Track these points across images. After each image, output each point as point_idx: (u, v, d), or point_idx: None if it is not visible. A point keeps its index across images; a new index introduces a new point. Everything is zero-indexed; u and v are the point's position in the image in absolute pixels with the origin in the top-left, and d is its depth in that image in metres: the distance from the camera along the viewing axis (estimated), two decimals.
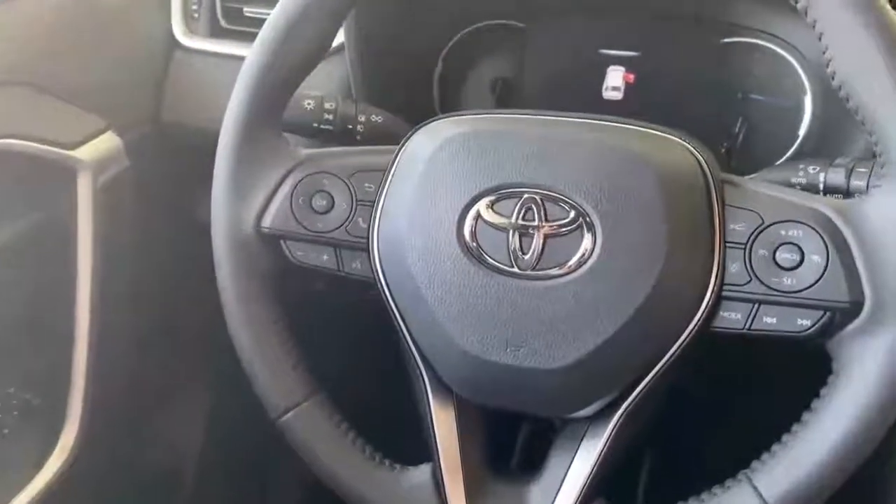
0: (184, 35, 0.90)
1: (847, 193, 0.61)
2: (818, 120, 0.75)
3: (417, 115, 0.61)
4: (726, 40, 0.77)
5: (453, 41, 0.84)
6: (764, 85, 0.76)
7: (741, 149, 0.77)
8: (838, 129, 0.73)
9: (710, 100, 0.77)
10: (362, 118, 0.70)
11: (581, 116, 0.57)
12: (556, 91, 0.82)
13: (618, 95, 0.80)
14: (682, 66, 0.78)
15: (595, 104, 0.83)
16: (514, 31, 0.82)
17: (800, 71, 0.76)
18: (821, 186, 0.62)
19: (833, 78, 0.48)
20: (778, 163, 0.75)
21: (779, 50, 0.76)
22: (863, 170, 0.60)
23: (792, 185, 0.64)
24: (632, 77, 0.79)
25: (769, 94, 0.76)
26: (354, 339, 0.88)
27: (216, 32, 0.89)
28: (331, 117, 0.69)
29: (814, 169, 0.63)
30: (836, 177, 0.61)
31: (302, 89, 0.61)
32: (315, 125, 0.68)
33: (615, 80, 0.80)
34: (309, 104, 0.69)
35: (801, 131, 0.76)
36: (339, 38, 0.78)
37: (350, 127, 0.68)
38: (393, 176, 0.59)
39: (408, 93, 0.83)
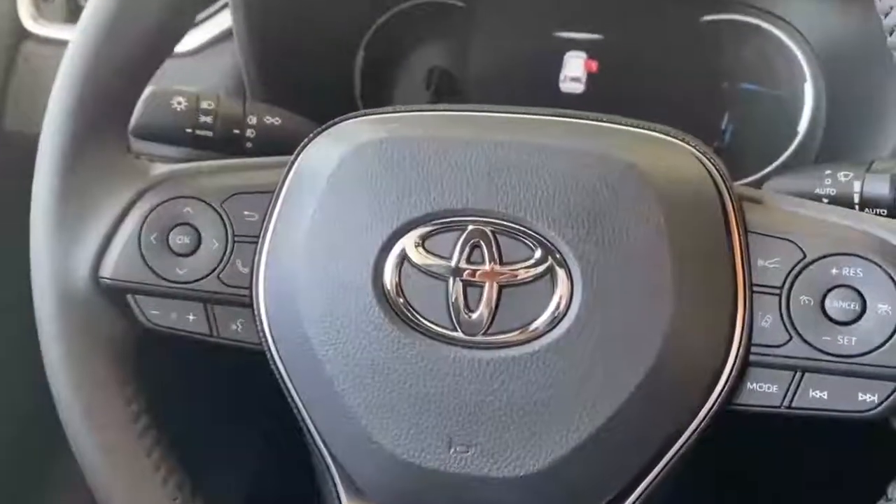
0: (33, 21, 0.77)
1: (893, 209, 0.48)
2: (821, 113, 0.67)
3: (332, 117, 0.49)
4: (708, 18, 0.69)
5: (378, 23, 0.75)
6: (755, 71, 0.69)
7: (730, 149, 0.68)
8: (848, 125, 0.65)
9: (690, 91, 0.69)
10: (252, 120, 0.56)
11: (547, 113, 0.43)
12: (504, 83, 0.73)
13: (578, 88, 0.71)
14: (656, 51, 0.70)
15: (551, 99, 0.73)
16: (452, 10, 0.74)
17: (798, 54, 0.68)
18: (856, 199, 0.48)
19: None
20: (775, 164, 0.68)
21: (772, 29, 0.68)
22: None
23: (816, 199, 0.51)
24: (594, 65, 0.71)
25: (762, 83, 0.69)
26: (247, 413, 0.70)
27: (75, 16, 0.75)
28: (209, 120, 0.55)
29: (845, 176, 0.49)
30: (878, 185, 0.48)
31: (172, 84, 0.53)
32: (188, 131, 0.55)
33: (575, 69, 0.71)
34: (179, 103, 0.55)
35: (802, 126, 0.68)
36: (228, 19, 0.68)
37: (237, 132, 0.56)
38: (283, 200, 0.44)
39: (320, 88, 0.71)
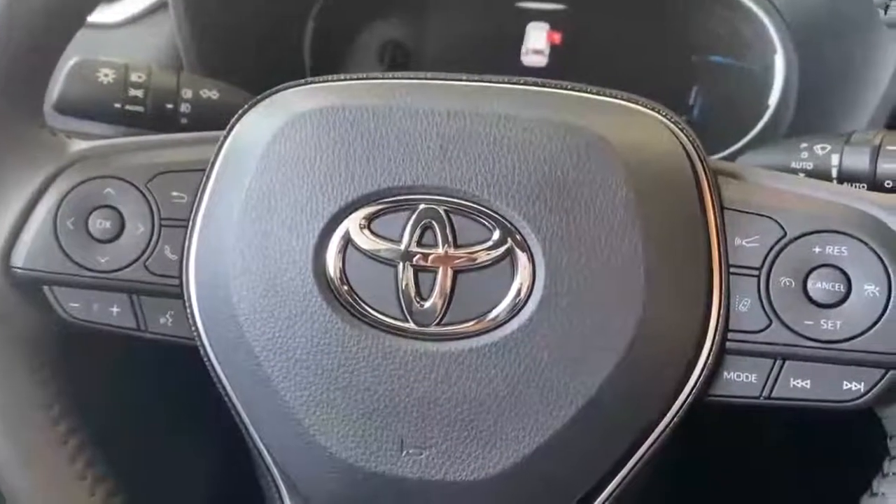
0: None
1: (873, 183, 0.45)
2: (793, 85, 0.65)
3: None
4: None
5: None
6: (724, 43, 0.66)
7: (698, 124, 0.65)
8: (820, 97, 0.63)
9: (657, 64, 0.66)
10: (187, 93, 0.53)
11: (506, 80, 0.40)
12: (463, 57, 0.70)
13: (541, 61, 0.68)
14: (621, 22, 0.67)
15: (513, 73, 0.68)
16: None
17: (768, 24, 0.65)
18: (834, 173, 0.46)
19: None
20: (746, 139, 0.65)
21: None
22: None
23: (793, 172, 0.49)
24: (558, 36, 0.68)
25: (731, 55, 0.66)
26: (192, 413, 0.66)
27: None
28: (140, 94, 0.52)
29: (822, 148, 0.47)
30: (858, 157, 0.45)
31: (98, 55, 0.51)
32: (117, 105, 0.52)
33: (537, 41, 0.68)
34: (106, 76, 0.52)
35: (773, 100, 0.65)
36: None
37: (170, 107, 0.53)
38: (215, 178, 0.40)
39: (265, 63, 0.66)
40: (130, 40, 0.63)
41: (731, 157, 0.62)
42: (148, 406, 0.59)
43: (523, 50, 0.68)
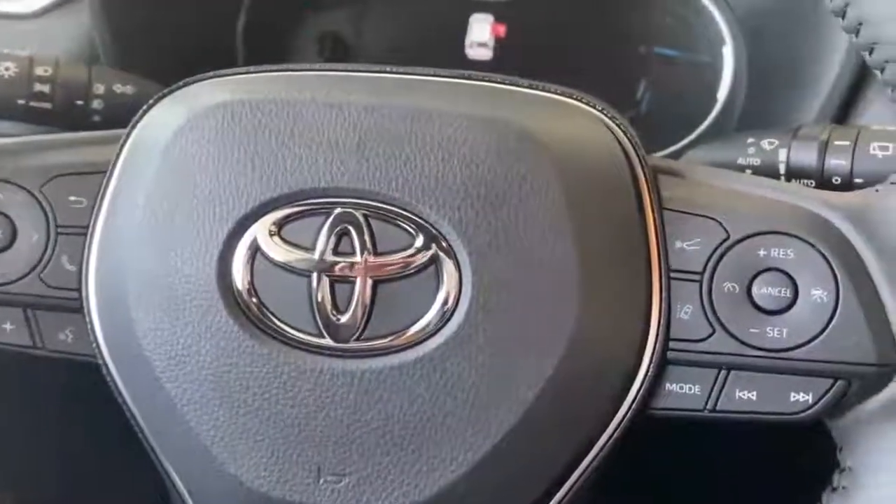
0: None
1: (821, 179, 0.43)
2: (742, 78, 0.63)
3: None
4: None
5: None
6: (672, 35, 0.65)
7: (646, 119, 0.65)
8: (770, 90, 0.62)
9: (605, 57, 0.65)
10: (99, 88, 0.49)
11: (429, 73, 0.37)
12: (403, 51, 0.68)
13: (486, 54, 0.66)
14: (567, 14, 0.66)
15: (457, 66, 0.66)
16: None
17: (717, 16, 0.64)
18: (782, 170, 0.45)
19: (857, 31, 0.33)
20: (695, 134, 0.64)
21: None
22: (845, 143, 0.42)
23: (739, 170, 0.47)
24: (502, 29, 0.66)
25: (679, 48, 0.65)
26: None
27: None
28: (46, 88, 0.48)
29: (770, 143, 0.45)
30: (805, 153, 0.43)
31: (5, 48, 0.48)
32: (21, 102, 0.48)
33: (481, 34, 0.67)
34: (7, 69, 0.48)
35: (722, 93, 0.64)
36: None
37: (80, 103, 0.49)
38: (116, 181, 0.37)
39: (192, 57, 0.61)
40: (43, 32, 0.59)
41: (679, 154, 0.61)
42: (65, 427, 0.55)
43: (467, 43, 0.66)
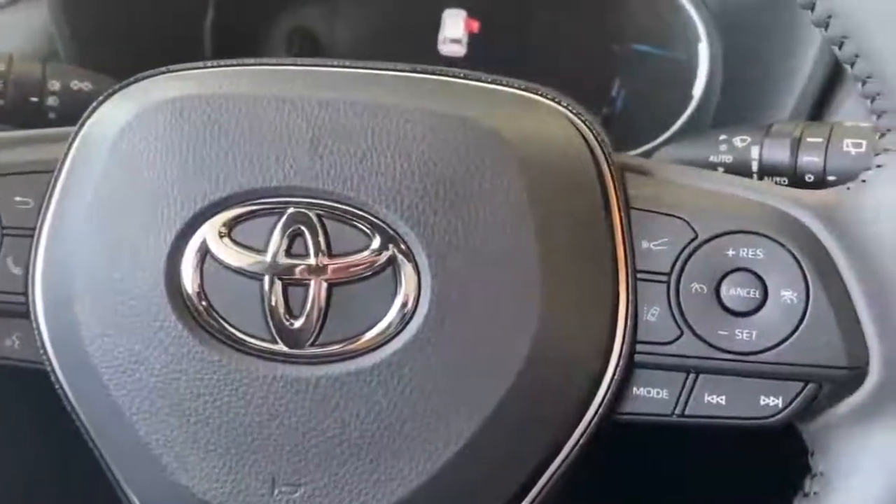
0: None
1: (794, 176, 0.42)
2: (717, 75, 0.63)
3: None
4: None
5: None
6: (647, 32, 0.64)
7: (621, 116, 0.64)
8: (745, 87, 0.61)
9: (579, 53, 0.64)
10: (54, 85, 0.48)
11: (388, 68, 0.36)
12: (375, 46, 0.67)
13: (459, 50, 0.65)
14: (542, 10, 0.65)
15: (430, 63, 0.65)
16: None
17: (692, 12, 0.63)
18: (754, 167, 0.44)
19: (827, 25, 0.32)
20: (671, 131, 0.63)
21: None
22: (817, 139, 0.41)
23: (711, 167, 0.46)
24: (476, 25, 0.65)
25: (654, 44, 0.64)
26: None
27: None
28: None
29: (742, 141, 0.45)
30: (778, 150, 0.43)
31: None
32: None
33: (454, 30, 0.66)
34: None
35: (697, 90, 0.63)
36: None
37: (35, 100, 0.48)
38: (64, 180, 0.35)
39: (158, 54, 0.59)
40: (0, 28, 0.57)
41: (656, 150, 0.60)
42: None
43: (440, 39, 0.65)
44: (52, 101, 0.48)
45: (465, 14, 0.65)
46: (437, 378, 0.32)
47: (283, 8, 0.67)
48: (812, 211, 0.33)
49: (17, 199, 0.36)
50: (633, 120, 0.63)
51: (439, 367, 0.32)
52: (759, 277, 0.33)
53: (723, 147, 0.46)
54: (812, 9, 0.32)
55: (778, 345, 0.32)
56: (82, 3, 0.57)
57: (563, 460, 0.34)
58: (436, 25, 0.66)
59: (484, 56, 0.65)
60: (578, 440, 0.34)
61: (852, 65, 0.32)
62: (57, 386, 0.35)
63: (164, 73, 0.36)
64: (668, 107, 0.63)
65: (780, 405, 0.33)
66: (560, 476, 0.34)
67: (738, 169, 0.45)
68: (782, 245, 0.33)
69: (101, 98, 0.36)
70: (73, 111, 0.48)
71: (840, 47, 0.32)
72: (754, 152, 0.44)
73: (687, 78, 0.63)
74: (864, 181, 0.33)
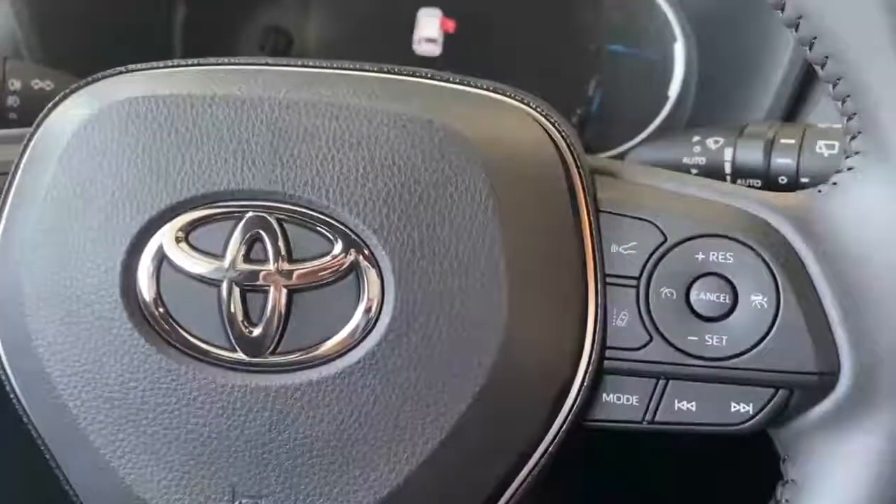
0: None
1: (767, 178, 0.42)
2: (693, 75, 0.63)
3: None
4: None
5: None
6: (622, 32, 0.64)
7: (597, 116, 0.64)
8: (721, 87, 0.61)
9: (555, 53, 0.64)
10: (14, 84, 0.47)
11: (352, 67, 0.35)
12: (349, 45, 0.66)
13: (434, 50, 0.65)
14: (518, 10, 0.64)
15: (403, 63, 0.64)
16: None
17: (667, 12, 0.63)
18: (728, 168, 0.43)
19: (797, 25, 0.31)
20: (647, 132, 0.63)
21: None
22: (790, 141, 0.41)
23: (684, 169, 0.46)
24: (451, 24, 0.65)
25: (629, 45, 0.64)
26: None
27: None
28: None
29: (715, 142, 0.44)
30: (751, 152, 0.42)
31: None
32: None
33: (429, 29, 0.65)
34: None
35: (672, 91, 0.63)
36: None
37: None
38: (18, 183, 0.34)
39: (126, 52, 0.58)
40: None
41: (630, 151, 0.60)
42: None
43: (415, 38, 0.64)
44: (11, 100, 0.46)
45: (440, 13, 0.64)
46: (401, 387, 0.31)
47: (256, 6, 0.66)
48: (782, 214, 0.33)
49: None
50: (608, 120, 0.63)
51: (404, 376, 0.31)
52: (729, 282, 0.32)
53: (696, 148, 0.45)
54: (782, 9, 0.31)
55: (748, 350, 0.32)
56: (47, 1, 0.56)
57: (532, 468, 0.33)
58: (410, 24, 0.65)
59: (459, 56, 0.64)
60: (548, 448, 0.33)
61: (822, 66, 0.31)
62: (11, 395, 0.34)
63: (120, 72, 0.35)
64: (644, 107, 0.63)
65: (752, 412, 0.32)
66: (529, 484, 0.33)
67: (712, 170, 0.45)
68: (752, 249, 0.32)
69: (56, 98, 0.35)
70: (34, 111, 0.46)
71: (810, 48, 0.31)
72: (727, 154, 0.44)
73: (662, 78, 0.63)
74: (835, 184, 0.33)
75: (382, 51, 0.65)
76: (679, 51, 0.62)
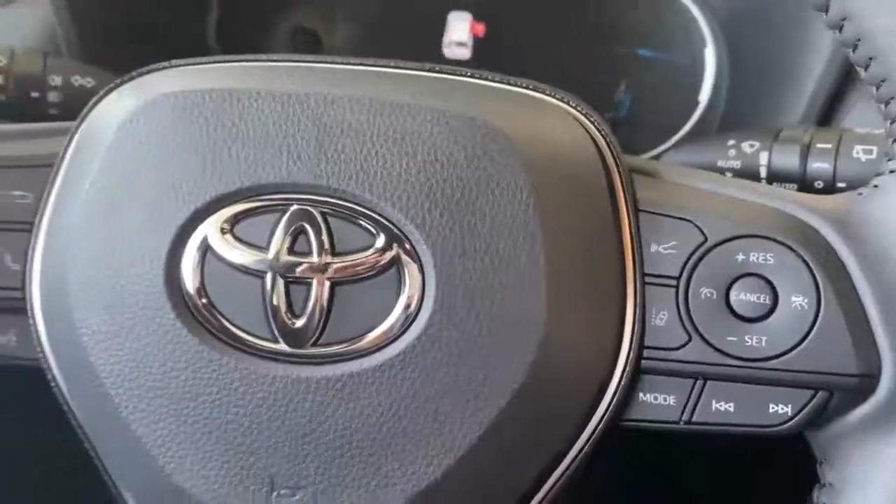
0: None
1: (803, 183, 0.41)
2: (724, 80, 0.62)
3: None
4: None
5: None
6: (653, 36, 0.64)
7: (627, 122, 0.64)
8: (752, 92, 0.61)
9: (585, 57, 0.64)
10: (56, 80, 0.47)
11: (395, 65, 0.35)
12: (379, 48, 0.66)
13: (465, 53, 0.65)
14: (548, 13, 0.64)
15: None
16: None
17: (698, 16, 0.63)
18: (763, 173, 0.43)
19: (841, 27, 0.31)
20: (677, 137, 0.63)
21: None
22: (827, 146, 0.40)
23: (719, 172, 0.46)
24: (482, 28, 0.65)
25: (659, 49, 0.64)
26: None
27: None
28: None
29: (751, 146, 0.44)
30: (787, 156, 0.42)
31: None
32: None
33: (460, 33, 0.65)
34: None
35: (703, 96, 0.63)
36: None
37: (36, 95, 0.47)
38: (64, 175, 0.35)
39: (163, 51, 0.58)
40: (2, 23, 0.57)
41: (662, 155, 0.60)
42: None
43: (445, 41, 0.65)
44: (53, 96, 0.47)
45: (470, 17, 0.65)
46: (440, 381, 0.31)
47: (286, 8, 0.67)
48: (823, 216, 0.33)
49: (16, 193, 0.35)
50: (638, 125, 0.63)
51: (443, 371, 0.31)
52: (770, 283, 0.32)
53: (731, 152, 0.45)
54: (826, 11, 0.31)
55: (788, 351, 0.32)
56: (87, 1, 0.57)
57: (568, 466, 0.33)
58: (440, 28, 0.65)
59: (489, 60, 0.64)
60: (583, 447, 0.33)
61: (866, 68, 0.31)
62: (53, 384, 0.34)
63: (166, 67, 0.35)
64: (674, 112, 0.63)
65: (790, 413, 0.32)
66: (564, 482, 0.33)
67: (746, 174, 0.44)
68: (793, 250, 0.32)
69: (102, 92, 0.35)
70: (75, 107, 0.47)
71: (854, 50, 0.31)
72: (763, 158, 0.44)
73: (693, 82, 0.63)
74: (875, 186, 0.32)
75: (412, 54, 0.65)
76: (710, 56, 0.62)
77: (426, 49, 0.65)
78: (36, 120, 0.47)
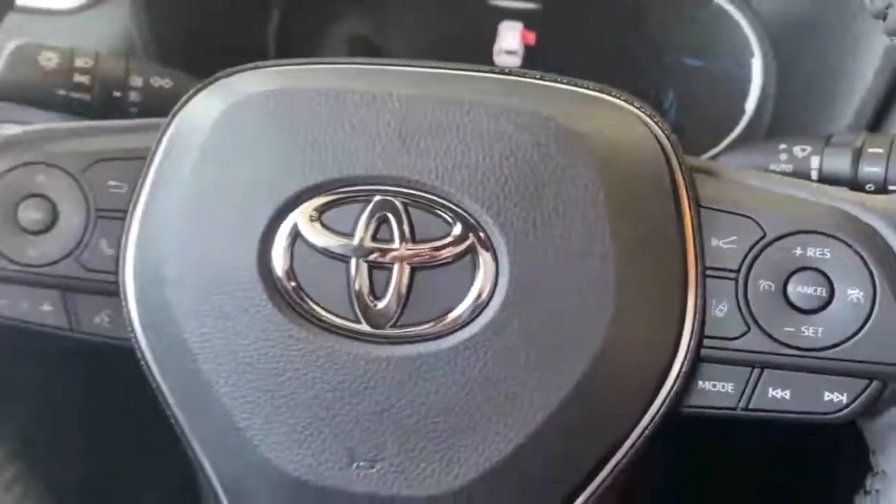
0: None
1: (854, 187, 0.43)
2: (770, 89, 0.63)
3: None
4: None
5: None
6: (700, 46, 0.65)
7: (674, 128, 0.62)
8: (798, 102, 0.62)
9: (632, 66, 0.65)
10: (137, 81, 0.49)
11: (470, 69, 0.37)
12: (432, 56, 0.66)
13: (515, 61, 0.66)
14: (596, 23, 0.65)
15: None
16: None
17: (746, 27, 0.64)
18: (814, 176, 0.44)
19: None
20: (723, 144, 0.64)
21: (719, 0, 0.64)
22: (879, 150, 0.41)
23: None
24: (532, 36, 0.66)
25: (707, 58, 0.65)
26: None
27: None
28: (86, 80, 0.48)
29: (802, 150, 0.44)
30: (838, 160, 0.43)
31: (40, 39, 0.47)
32: (62, 93, 0.48)
33: (511, 41, 0.67)
34: (49, 60, 0.48)
35: (750, 105, 0.64)
36: None
37: (118, 95, 0.49)
38: (156, 167, 0.37)
39: (228, 54, 0.61)
40: (81, 28, 0.60)
41: (713, 160, 0.60)
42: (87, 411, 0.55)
43: (496, 50, 0.66)
44: (134, 96, 0.49)
45: (521, 26, 0.66)
46: (510, 364, 0.33)
47: (342, 16, 0.69)
48: (878, 214, 0.34)
49: (112, 183, 0.38)
50: (685, 132, 0.63)
51: (513, 354, 0.33)
52: (826, 276, 0.34)
53: (782, 156, 0.46)
54: (884, 18, 0.33)
55: (843, 342, 0.33)
56: (161, 8, 0.59)
57: (628, 451, 0.35)
58: (491, 37, 0.66)
59: (539, 68, 0.66)
60: (643, 431, 0.35)
61: None
62: (142, 362, 0.37)
63: (252, 69, 0.38)
64: (721, 121, 0.64)
65: (845, 401, 0.34)
66: (625, 464, 0.35)
67: (798, 178, 0.46)
68: (849, 245, 0.33)
69: (190, 92, 0.38)
70: (154, 106, 0.50)
71: None
72: (814, 162, 0.45)
73: (740, 91, 0.64)
74: None
75: (464, 61, 0.67)
76: (756, 65, 0.63)
77: (477, 58, 0.66)
78: (118, 118, 0.50)
